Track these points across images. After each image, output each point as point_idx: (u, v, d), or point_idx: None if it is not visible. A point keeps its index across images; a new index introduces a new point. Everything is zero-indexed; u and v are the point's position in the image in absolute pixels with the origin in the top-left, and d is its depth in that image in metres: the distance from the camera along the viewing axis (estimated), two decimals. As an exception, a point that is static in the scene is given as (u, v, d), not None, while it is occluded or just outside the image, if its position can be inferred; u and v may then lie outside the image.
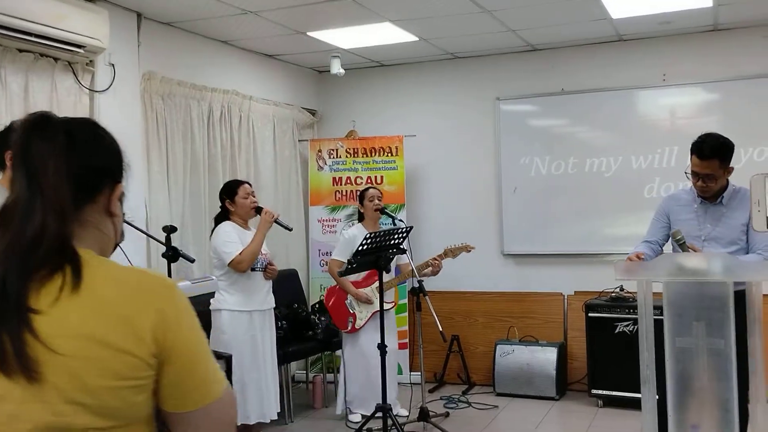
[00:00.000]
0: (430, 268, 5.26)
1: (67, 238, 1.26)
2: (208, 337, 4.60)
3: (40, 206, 1.24)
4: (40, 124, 1.30)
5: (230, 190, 4.72)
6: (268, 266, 4.72)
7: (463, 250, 5.34)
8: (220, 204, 4.78)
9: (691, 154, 3.71)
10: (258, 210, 4.73)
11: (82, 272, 1.24)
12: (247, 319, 4.60)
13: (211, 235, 4.73)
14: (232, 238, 4.57)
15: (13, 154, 1.29)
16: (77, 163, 1.30)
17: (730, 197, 3.75)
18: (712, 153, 3.64)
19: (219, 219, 4.75)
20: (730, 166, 3.72)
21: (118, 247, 1.48)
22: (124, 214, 1.44)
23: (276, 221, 4.68)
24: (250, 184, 4.83)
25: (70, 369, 1.19)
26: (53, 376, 1.19)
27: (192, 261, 3.65)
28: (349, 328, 5.37)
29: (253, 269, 4.61)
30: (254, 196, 4.77)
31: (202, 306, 4.38)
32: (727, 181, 3.77)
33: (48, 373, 1.19)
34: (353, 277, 5.34)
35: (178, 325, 1.27)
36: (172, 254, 3.16)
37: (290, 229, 4.89)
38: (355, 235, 5.32)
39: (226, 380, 1.35)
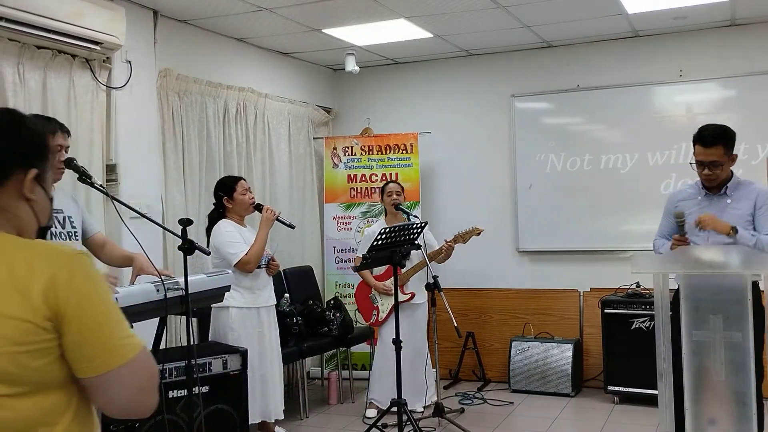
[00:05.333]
0: (443, 255, 5.31)
1: None
2: (207, 335, 4.63)
3: None
4: None
5: (227, 186, 4.64)
6: (270, 262, 4.71)
7: (473, 234, 5.30)
8: (214, 201, 4.71)
9: (694, 145, 3.79)
10: (257, 207, 4.67)
11: None
12: (255, 315, 4.62)
13: (207, 234, 4.66)
14: (236, 238, 4.53)
15: None
16: None
17: (734, 188, 3.80)
18: (715, 139, 3.70)
19: (214, 216, 4.67)
20: (734, 153, 3.76)
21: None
22: (51, 198, 1.51)
23: (278, 219, 4.63)
24: (245, 180, 4.77)
25: None
26: None
27: (208, 254, 3.66)
28: (373, 320, 5.46)
29: (257, 266, 4.60)
30: (251, 192, 4.72)
31: (217, 300, 4.38)
32: (731, 172, 3.80)
33: None
34: (376, 270, 5.43)
35: (71, 289, 1.32)
36: (188, 247, 3.17)
37: (293, 227, 4.79)
38: (376, 231, 5.34)
39: (141, 344, 1.39)
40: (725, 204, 3.78)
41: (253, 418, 4.54)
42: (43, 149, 1.48)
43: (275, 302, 4.83)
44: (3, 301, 1.29)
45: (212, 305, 4.45)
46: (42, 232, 1.50)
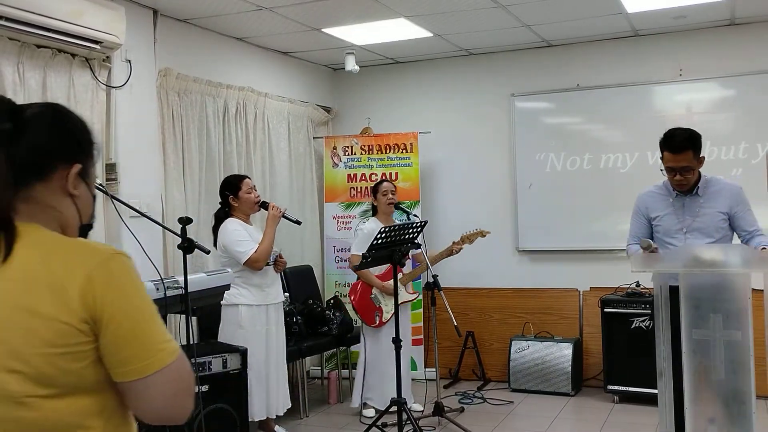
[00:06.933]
0: (451, 254, 5.28)
1: (1, 214, 1.31)
2: (217, 331, 4.65)
3: None
4: None
5: (233, 185, 4.68)
6: (278, 259, 4.75)
7: (479, 236, 5.29)
8: (220, 200, 4.73)
9: (663, 151, 3.78)
10: (263, 205, 4.71)
11: (13, 245, 1.29)
12: (264, 313, 4.66)
13: (214, 233, 4.69)
14: (243, 236, 4.56)
15: None
16: (24, 145, 1.34)
17: (705, 187, 3.81)
18: (685, 144, 3.70)
19: (220, 215, 4.69)
20: (702, 155, 3.77)
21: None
22: (94, 197, 1.48)
23: (284, 216, 4.68)
24: (250, 178, 4.79)
25: (2, 338, 1.25)
26: None
27: (207, 252, 3.66)
28: (378, 322, 5.34)
29: (266, 264, 4.63)
30: (256, 190, 4.75)
31: (217, 298, 4.41)
32: (700, 172, 3.81)
33: None
34: (375, 271, 5.34)
35: (111, 290, 1.28)
36: (188, 245, 3.17)
37: (299, 223, 4.86)
38: (374, 229, 5.30)
39: (178, 349, 1.35)
40: (698, 204, 3.80)
41: (260, 415, 4.60)
42: (87, 144, 1.44)
43: (283, 299, 4.88)
44: (40, 302, 1.26)
45: (222, 303, 4.51)
46: (84, 230, 1.46)
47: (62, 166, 1.38)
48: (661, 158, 3.79)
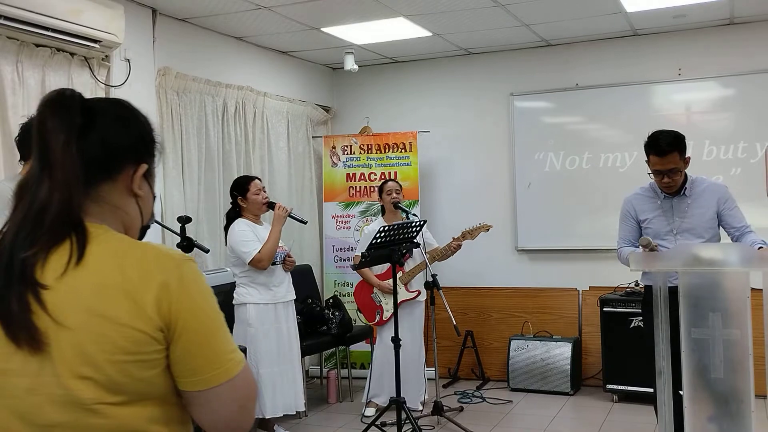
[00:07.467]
0: (450, 252, 5.27)
1: (72, 213, 1.26)
2: (231, 330, 4.69)
3: (47, 181, 1.25)
4: (57, 100, 1.30)
5: (241, 186, 4.77)
6: (287, 258, 4.82)
7: (482, 230, 5.24)
8: (230, 200, 4.82)
9: (649, 155, 3.78)
10: (270, 205, 4.78)
11: (86, 247, 1.24)
12: (273, 311, 4.71)
13: (225, 232, 4.76)
14: (249, 237, 4.63)
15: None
16: (94, 141, 1.29)
17: (691, 188, 3.83)
18: (671, 147, 3.71)
19: (231, 215, 4.79)
20: (687, 156, 3.78)
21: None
22: (154, 196, 1.43)
23: (290, 215, 4.74)
24: (260, 179, 4.85)
25: (75, 343, 1.20)
26: (60, 349, 1.20)
27: (206, 251, 3.67)
28: (377, 320, 5.39)
29: (273, 263, 4.68)
30: (265, 191, 4.82)
31: (224, 296, 4.45)
32: (685, 173, 3.83)
33: (55, 346, 1.20)
34: (377, 270, 5.36)
35: (184, 298, 1.25)
36: (187, 244, 3.18)
37: (305, 222, 4.93)
38: (375, 229, 5.33)
39: (244, 359, 1.33)
40: (687, 204, 3.81)
41: (272, 412, 4.66)
42: (151, 143, 1.39)
43: (294, 297, 4.91)
44: (115, 308, 1.21)
45: (233, 302, 4.61)
46: (142, 231, 1.42)
47: (130, 165, 1.34)
48: (647, 161, 3.80)
